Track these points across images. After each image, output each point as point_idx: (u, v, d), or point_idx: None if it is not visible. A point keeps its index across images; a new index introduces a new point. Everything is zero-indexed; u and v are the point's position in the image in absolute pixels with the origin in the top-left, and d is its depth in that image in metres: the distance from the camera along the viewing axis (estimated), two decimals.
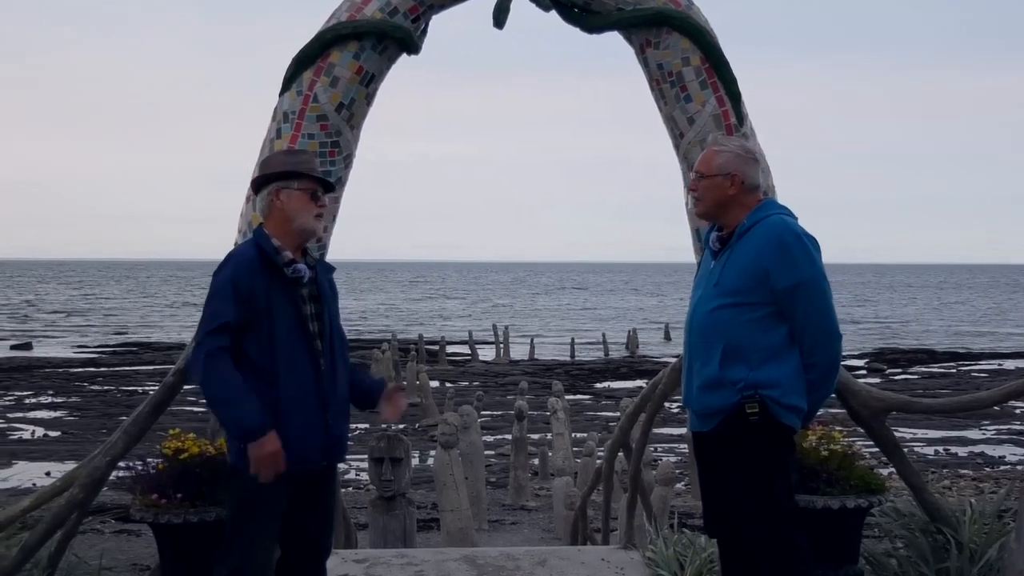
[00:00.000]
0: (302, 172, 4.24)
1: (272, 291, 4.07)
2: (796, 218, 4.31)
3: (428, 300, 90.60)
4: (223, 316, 3.99)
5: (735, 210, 4.28)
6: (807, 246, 4.14)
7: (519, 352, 40.88)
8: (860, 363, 38.65)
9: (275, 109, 5.97)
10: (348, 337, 4.47)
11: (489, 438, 21.23)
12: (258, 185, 4.30)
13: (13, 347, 45.57)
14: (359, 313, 69.91)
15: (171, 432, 5.72)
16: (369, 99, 5.98)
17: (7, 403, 28.18)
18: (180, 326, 56.45)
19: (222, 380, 3.92)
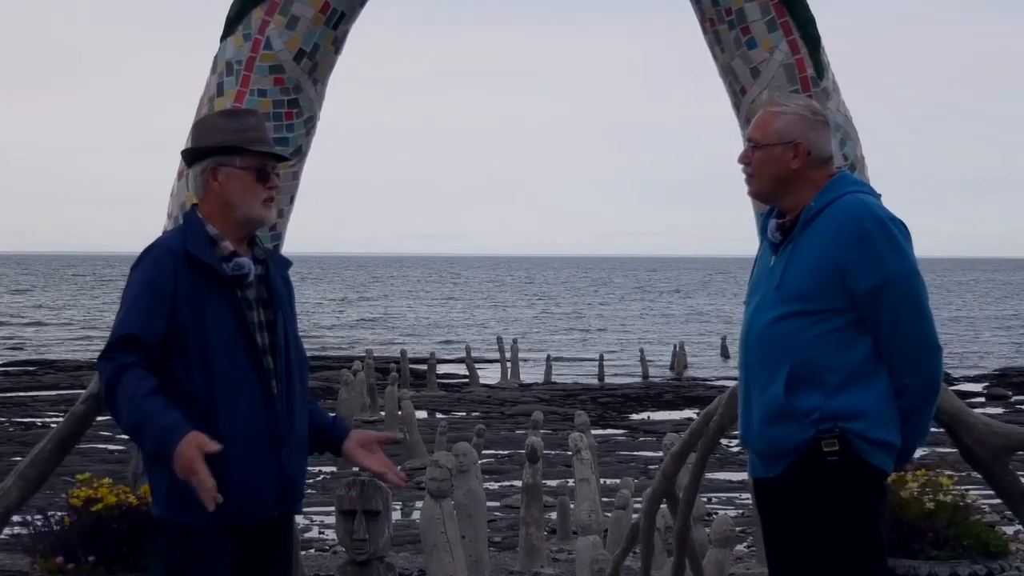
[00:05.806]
0: (245, 147, 4.19)
1: (205, 293, 4.06)
2: (879, 197, 4.30)
3: (419, 307, 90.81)
4: (128, 326, 3.99)
5: (800, 189, 4.27)
6: (893, 233, 4.14)
7: (532, 373, 40.91)
8: (977, 388, 38.50)
9: (215, 58, 6.00)
10: (308, 353, 4.46)
11: (493, 485, 21.26)
12: (191, 158, 4.27)
13: None
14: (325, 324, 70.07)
15: (80, 477, 5.74)
16: (337, 45, 6.00)
17: None
18: (86, 341, 56.63)
19: (127, 399, 3.91)
